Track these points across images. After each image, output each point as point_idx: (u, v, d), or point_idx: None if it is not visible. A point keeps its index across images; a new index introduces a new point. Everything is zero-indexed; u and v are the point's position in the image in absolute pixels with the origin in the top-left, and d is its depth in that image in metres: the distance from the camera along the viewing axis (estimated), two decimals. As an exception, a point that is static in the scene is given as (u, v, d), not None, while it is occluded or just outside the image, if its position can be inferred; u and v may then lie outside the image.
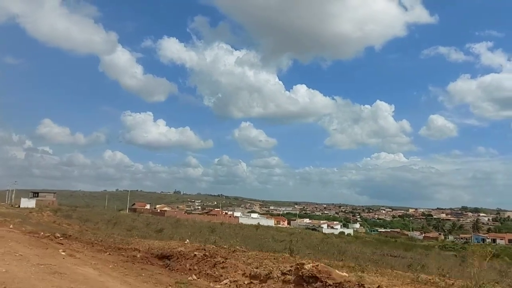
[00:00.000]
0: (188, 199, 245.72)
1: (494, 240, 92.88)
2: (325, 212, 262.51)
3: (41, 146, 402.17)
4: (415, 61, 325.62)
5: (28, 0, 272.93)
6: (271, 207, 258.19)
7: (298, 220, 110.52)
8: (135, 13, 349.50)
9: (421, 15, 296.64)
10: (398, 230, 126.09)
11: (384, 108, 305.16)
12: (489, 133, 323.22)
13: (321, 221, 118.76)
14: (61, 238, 18.27)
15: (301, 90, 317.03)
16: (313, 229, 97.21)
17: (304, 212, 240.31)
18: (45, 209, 58.53)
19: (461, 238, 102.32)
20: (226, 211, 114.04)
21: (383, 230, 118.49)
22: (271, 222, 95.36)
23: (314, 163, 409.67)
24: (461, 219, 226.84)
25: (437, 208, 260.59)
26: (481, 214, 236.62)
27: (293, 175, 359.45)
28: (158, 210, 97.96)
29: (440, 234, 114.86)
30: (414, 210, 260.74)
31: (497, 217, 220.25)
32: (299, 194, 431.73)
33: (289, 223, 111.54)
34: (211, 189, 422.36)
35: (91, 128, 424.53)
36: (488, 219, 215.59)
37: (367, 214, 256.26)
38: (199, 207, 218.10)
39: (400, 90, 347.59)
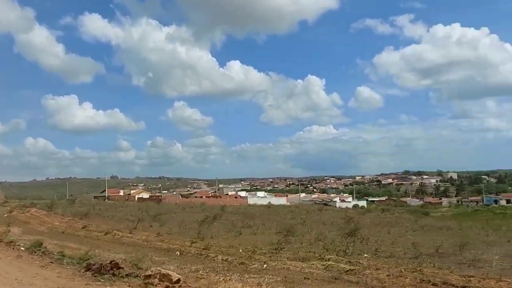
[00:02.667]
0: (130, 184, 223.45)
1: (508, 201, 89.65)
2: (275, 186, 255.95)
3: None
4: (344, 34, 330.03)
5: None
6: (221, 185, 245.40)
7: (301, 196, 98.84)
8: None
9: None
10: (385, 198, 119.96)
11: (316, 82, 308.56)
12: (410, 101, 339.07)
13: (330, 195, 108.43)
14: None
15: (235, 66, 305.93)
16: (325, 204, 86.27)
17: (255, 187, 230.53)
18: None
19: (471, 201, 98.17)
20: (222, 193, 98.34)
21: (377, 199, 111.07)
22: (282, 200, 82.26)
23: (251, 140, 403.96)
24: (406, 182, 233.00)
25: (382, 174, 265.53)
26: (424, 177, 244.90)
27: (230, 153, 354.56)
28: (147, 196, 79.65)
29: (440, 198, 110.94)
30: (361, 177, 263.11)
31: (442, 178, 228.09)
32: (237, 171, 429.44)
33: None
34: (146, 172, 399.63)
35: (9, 114, 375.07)
36: (436, 180, 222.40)
37: (317, 185, 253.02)
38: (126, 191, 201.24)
39: (330, 63, 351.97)
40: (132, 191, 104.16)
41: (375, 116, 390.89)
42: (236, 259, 13.94)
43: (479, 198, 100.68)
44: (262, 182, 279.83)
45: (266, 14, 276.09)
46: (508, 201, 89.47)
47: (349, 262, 12.13)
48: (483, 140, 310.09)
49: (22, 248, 9.25)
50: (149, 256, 14.79)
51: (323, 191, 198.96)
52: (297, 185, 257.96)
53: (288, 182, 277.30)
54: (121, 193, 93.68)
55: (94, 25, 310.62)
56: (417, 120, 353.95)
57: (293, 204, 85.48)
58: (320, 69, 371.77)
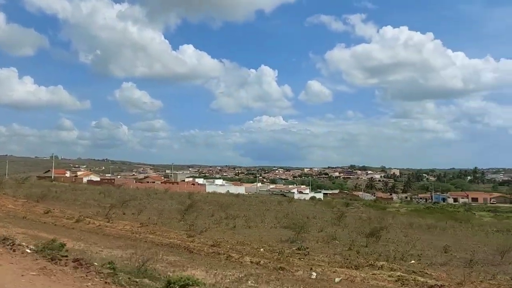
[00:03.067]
0: (71, 164, 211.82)
1: (455, 199, 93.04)
2: (224, 174, 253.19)
3: None
4: (299, 28, 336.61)
5: None
6: (168, 171, 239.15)
7: (258, 186, 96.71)
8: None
9: None
10: (337, 191, 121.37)
11: (269, 73, 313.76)
12: (357, 98, 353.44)
13: (286, 186, 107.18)
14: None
15: (188, 50, 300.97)
16: (283, 195, 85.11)
17: (203, 174, 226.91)
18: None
19: (420, 198, 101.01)
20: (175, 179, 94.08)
21: (329, 192, 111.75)
22: (241, 189, 80.00)
23: (200, 126, 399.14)
24: (353, 176, 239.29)
25: (329, 167, 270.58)
26: (369, 172, 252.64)
27: (178, 138, 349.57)
28: (98, 179, 74.24)
29: (390, 194, 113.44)
30: (309, 169, 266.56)
31: (388, 174, 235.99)
32: (185, 157, 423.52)
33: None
34: (89, 153, 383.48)
35: None
36: (381, 176, 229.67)
37: (266, 175, 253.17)
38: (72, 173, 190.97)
39: (284, 55, 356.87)
40: (79, 173, 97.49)
41: (323, 110, 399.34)
42: (269, 262, 11.63)
43: (427, 195, 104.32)
44: (211, 170, 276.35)
45: (223, 0, 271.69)
46: (455, 200, 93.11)
47: (423, 272, 10.19)
48: (421, 140, 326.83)
49: (28, 250, 6.35)
50: (157, 254, 12.16)
51: (272, 181, 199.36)
52: (246, 174, 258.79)
53: (237, 171, 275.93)
54: (67, 174, 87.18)
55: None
56: (362, 117, 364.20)
57: (251, 193, 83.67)
58: (273, 60, 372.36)
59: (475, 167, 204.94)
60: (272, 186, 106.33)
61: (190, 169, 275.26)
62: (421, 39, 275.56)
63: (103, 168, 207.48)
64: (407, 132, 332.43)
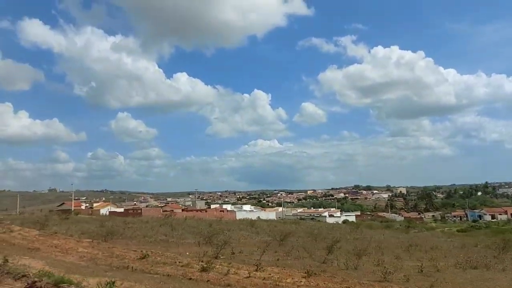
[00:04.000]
0: (70, 197, 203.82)
1: (493, 216, 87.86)
2: (226, 200, 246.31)
3: None
4: (291, 51, 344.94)
5: None
6: (169, 199, 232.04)
7: (284, 210, 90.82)
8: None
9: (300, 7, 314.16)
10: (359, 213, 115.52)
11: (262, 97, 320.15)
12: (351, 118, 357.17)
13: (315, 209, 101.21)
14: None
15: (182, 78, 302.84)
16: (312, 219, 79.53)
17: (206, 201, 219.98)
18: None
19: (454, 217, 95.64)
20: (202, 207, 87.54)
21: (353, 214, 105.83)
22: (272, 215, 74.16)
23: (195, 153, 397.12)
24: (360, 197, 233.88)
25: (332, 188, 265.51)
26: (374, 191, 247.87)
27: (174, 165, 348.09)
28: (119, 210, 67.68)
29: (419, 214, 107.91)
30: (312, 191, 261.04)
31: (395, 193, 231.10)
32: (181, 184, 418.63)
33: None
34: (86, 185, 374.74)
35: None
36: (389, 195, 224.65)
37: (269, 198, 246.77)
38: (87, 204, 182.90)
39: (277, 79, 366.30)
40: (95, 204, 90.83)
41: (318, 132, 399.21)
42: None
43: (460, 213, 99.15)
44: (211, 196, 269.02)
45: (215, 27, 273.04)
46: (493, 216, 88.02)
47: None
48: (418, 158, 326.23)
49: None
50: None
51: (278, 204, 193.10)
52: (248, 198, 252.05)
53: (238, 196, 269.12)
54: (83, 207, 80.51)
55: (34, 31, 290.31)
56: (357, 137, 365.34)
57: (283, 219, 77.72)
58: (266, 84, 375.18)
59: (486, 182, 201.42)
60: (299, 210, 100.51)
61: (190, 196, 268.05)
62: (412, 57, 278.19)
63: (104, 199, 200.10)
64: (403, 150, 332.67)
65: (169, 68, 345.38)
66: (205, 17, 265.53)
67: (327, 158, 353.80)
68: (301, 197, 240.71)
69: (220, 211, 70.53)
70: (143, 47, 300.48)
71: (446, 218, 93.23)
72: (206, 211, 67.65)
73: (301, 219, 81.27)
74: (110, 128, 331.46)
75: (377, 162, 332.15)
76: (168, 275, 12.91)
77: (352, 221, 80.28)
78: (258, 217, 68.75)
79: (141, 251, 18.59)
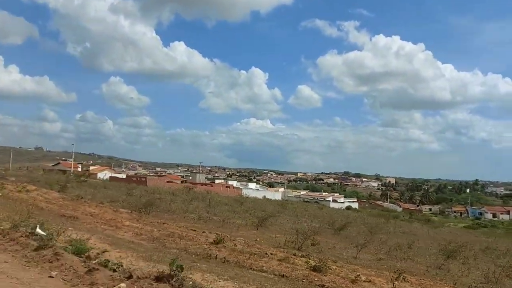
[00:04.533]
0: (57, 157, 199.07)
1: (494, 215, 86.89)
2: (216, 175, 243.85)
3: None
4: (293, 31, 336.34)
5: None
6: (158, 169, 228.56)
7: (286, 191, 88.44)
8: None
9: None
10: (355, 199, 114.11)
11: (259, 75, 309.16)
12: (345, 105, 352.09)
13: (316, 192, 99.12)
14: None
15: (180, 48, 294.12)
16: (316, 203, 77.60)
17: (194, 173, 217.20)
18: None
19: (455, 212, 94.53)
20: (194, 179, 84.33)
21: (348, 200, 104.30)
22: (278, 195, 71.86)
23: (187, 125, 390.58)
24: (349, 183, 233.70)
25: (322, 173, 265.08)
26: (363, 179, 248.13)
27: (164, 136, 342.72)
28: (119, 176, 64.41)
29: (418, 206, 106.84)
30: (302, 174, 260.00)
31: (384, 183, 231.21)
32: (169, 156, 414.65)
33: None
34: (71, 146, 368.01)
35: None
36: (378, 184, 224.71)
37: (259, 177, 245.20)
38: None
39: (276, 58, 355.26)
40: (91, 168, 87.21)
41: (312, 116, 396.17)
42: None
43: (461, 209, 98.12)
44: (201, 169, 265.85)
45: None
46: (494, 215, 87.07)
47: None
48: (406, 150, 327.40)
49: None
50: None
51: (270, 185, 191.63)
52: (238, 176, 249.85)
53: (228, 172, 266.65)
54: (79, 169, 76.86)
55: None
56: (349, 124, 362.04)
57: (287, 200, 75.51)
58: (265, 63, 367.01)
59: (476, 179, 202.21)
60: (303, 192, 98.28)
61: (179, 168, 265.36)
62: (412, 49, 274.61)
63: (91, 162, 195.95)
64: (393, 141, 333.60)
65: (167, 35, 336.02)
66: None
67: (317, 142, 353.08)
68: (291, 178, 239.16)
69: (226, 187, 67.73)
70: (142, 11, 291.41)
71: (446, 212, 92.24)
72: (211, 186, 64.83)
73: (305, 201, 79.31)
74: (101, 92, 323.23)
75: (366, 151, 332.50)
76: (282, 276, 10.16)
77: (355, 208, 78.83)
78: (264, 196, 66.45)
79: (204, 231, 15.82)
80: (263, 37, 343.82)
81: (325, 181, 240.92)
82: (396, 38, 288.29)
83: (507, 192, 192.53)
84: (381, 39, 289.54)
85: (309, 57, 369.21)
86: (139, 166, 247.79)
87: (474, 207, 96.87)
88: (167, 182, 62.70)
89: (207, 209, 23.87)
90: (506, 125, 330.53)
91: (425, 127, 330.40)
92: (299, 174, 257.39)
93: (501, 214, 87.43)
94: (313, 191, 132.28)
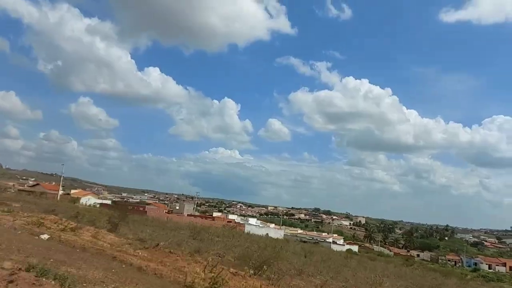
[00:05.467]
0: (17, 176, 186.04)
1: (489, 266, 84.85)
2: (184, 202, 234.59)
3: None
4: (268, 66, 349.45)
5: None
6: (124, 194, 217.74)
7: (283, 228, 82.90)
8: None
9: (284, 24, 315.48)
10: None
11: (231, 106, 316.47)
12: (314, 141, 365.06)
13: (322, 234, 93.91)
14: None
15: (154, 73, 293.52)
16: (315, 243, 73.17)
17: (162, 202, 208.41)
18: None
19: (449, 260, 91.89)
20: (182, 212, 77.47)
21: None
22: (280, 233, 66.78)
23: (154, 151, 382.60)
24: (317, 220, 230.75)
25: (292, 208, 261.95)
26: (334, 217, 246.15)
27: (130, 160, 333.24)
28: (104, 202, 57.41)
29: (408, 251, 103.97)
30: (273, 207, 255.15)
31: (355, 222, 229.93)
32: (133, 181, 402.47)
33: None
34: (33, 165, 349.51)
35: None
36: (350, 223, 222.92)
37: (229, 209, 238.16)
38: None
39: (249, 91, 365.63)
40: (72, 191, 79.32)
41: (280, 149, 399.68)
42: None
43: (455, 257, 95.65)
44: (167, 197, 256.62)
45: (198, 29, 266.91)
46: (489, 266, 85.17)
47: None
48: (370, 189, 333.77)
49: None
50: None
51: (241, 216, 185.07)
52: (207, 206, 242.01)
53: (197, 201, 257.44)
54: (61, 191, 68.86)
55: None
56: (316, 160, 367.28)
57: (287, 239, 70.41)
58: (238, 94, 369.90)
59: (447, 225, 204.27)
60: (300, 231, 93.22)
61: (146, 194, 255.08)
62: (380, 93, 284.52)
63: (54, 183, 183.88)
64: (357, 179, 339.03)
65: (142, 60, 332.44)
66: (190, 17, 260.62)
67: (283, 176, 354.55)
68: (262, 212, 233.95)
69: (228, 221, 62.04)
70: (120, 35, 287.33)
71: (441, 260, 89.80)
72: (213, 220, 59.14)
73: (302, 241, 74.63)
74: (69, 111, 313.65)
75: (331, 188, 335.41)
76: None
77: (355, 252, 74.85)
78: (267, 234, 61.39)
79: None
80: (238, 69, 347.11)
81: (296, 216, 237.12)
82: (365, 81, 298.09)
83: (475, 239, 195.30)
84: (351, 80, 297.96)
85: (281, 92, 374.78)
86: (104, 190, 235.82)
87: (467, 256, 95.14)
88: (168, 212, 56.68)
89: (318, 267, 18.82)
90: (464, 172, 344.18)
91: (389, 168, 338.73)
92: (269, 208, 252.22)
93: (497, 265, 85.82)
94: (289, 226, 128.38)
